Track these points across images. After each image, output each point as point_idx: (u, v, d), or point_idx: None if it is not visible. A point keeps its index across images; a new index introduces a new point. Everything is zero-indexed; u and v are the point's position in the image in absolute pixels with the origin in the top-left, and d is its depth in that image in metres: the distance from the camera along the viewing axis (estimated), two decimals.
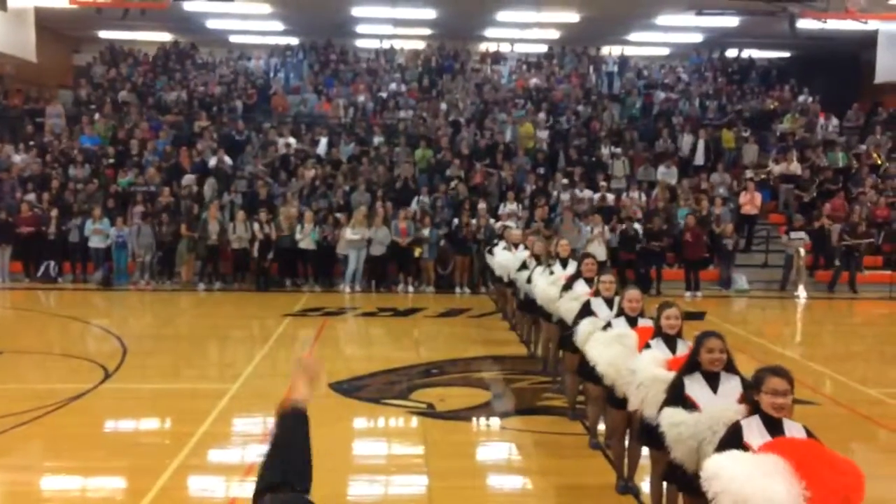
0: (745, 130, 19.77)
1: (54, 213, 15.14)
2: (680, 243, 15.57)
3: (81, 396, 7.88)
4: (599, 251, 14.55)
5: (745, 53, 24.90)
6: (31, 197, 15.72)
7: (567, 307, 7.18)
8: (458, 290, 15.13)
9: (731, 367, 4.25)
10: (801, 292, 15.41)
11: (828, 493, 3.11)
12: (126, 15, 18.65)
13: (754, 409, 3.61)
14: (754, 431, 3.52)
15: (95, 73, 22.35)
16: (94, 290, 14.73)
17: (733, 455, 3.35)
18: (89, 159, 17.30)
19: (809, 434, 3.51)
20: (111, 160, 17.43)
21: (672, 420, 4.10)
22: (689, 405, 4.14)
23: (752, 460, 3.28)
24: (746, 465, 3.25)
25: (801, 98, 21.85)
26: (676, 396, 4.21)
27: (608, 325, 5.79)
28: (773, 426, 3.51)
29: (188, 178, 16.55)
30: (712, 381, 4.20)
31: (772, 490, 3.09)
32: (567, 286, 7.50)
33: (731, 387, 4.17)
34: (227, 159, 17.27)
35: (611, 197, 16.70)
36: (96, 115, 19.25)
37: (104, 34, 23.48)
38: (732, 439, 3.54)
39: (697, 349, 4.24)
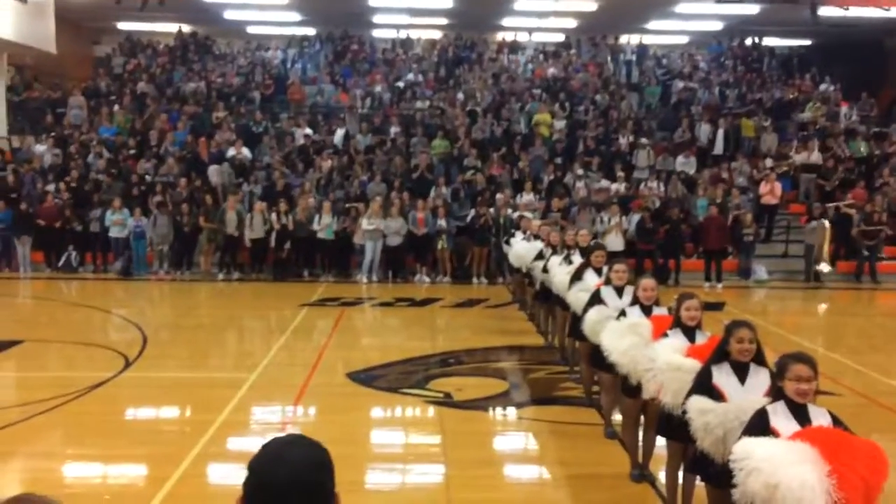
0: (766, 119, 19.55)
1: (74, 203, 15.27)
2: (700, 233, 15.44)
3: (102, 385, 7.97)
4: (617, 242, 14.48)
5: (766, 41, 24.60)
6: (52, 188, 15.88)
7: (576, 297, 7.17)
8: (475, 280, 15.12)
9: (760, 359, 4.21)
10: (825, 267, 15.18)
11: (852, 477, 3.11)
12: (145, 6, 18.76)
13: (779, 395, 3.59)
14: (780, 416, 3.51)
15: (115, 65, 22.49)
16: (114, 280, 14.87)
17: (765, 439, 3.36)
18: (109, 150, 17.44)
19: (835, 419, 3.51)
20: (131, 151, 17.56)
21: (700, 408, 4.07)
22: (716, 395, 4.12)
23: (785, 446, 3.28)
24: (779, 450, 3.25)
25: (822, 86, 21.56)
26: (704, 385, 4.18)
27: (622, 313, 5.77)
28: (798, 412, 3.50)
29: (212, 169, 16.64)
30: (740, 372, 4.16)
31: (804, 477, 3.09)
32: (577, 276, 7.49)
33: (759, 379, 4.13)
34: (246, 150, 17.34)
35: (619, 187, 16.57)
36: (115, 107, 19.38)
37: (123, 25, 23.62)
38: (759, 424, 3.53)
39: (727, 338, 4.20)
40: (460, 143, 17.95)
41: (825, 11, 17.57)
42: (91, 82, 21.47)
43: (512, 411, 7.60)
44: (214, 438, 6.44)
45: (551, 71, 22.55)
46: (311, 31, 24.19)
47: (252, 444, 6.57)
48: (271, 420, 7.26)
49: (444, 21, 23.49)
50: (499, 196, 15.73)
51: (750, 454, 3.29)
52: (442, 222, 15.11)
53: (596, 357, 6.38)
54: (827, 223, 15.44)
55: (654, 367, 4.78)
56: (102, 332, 10.98)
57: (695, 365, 4.47)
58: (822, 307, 14.50)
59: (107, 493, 5.67)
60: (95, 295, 13.64)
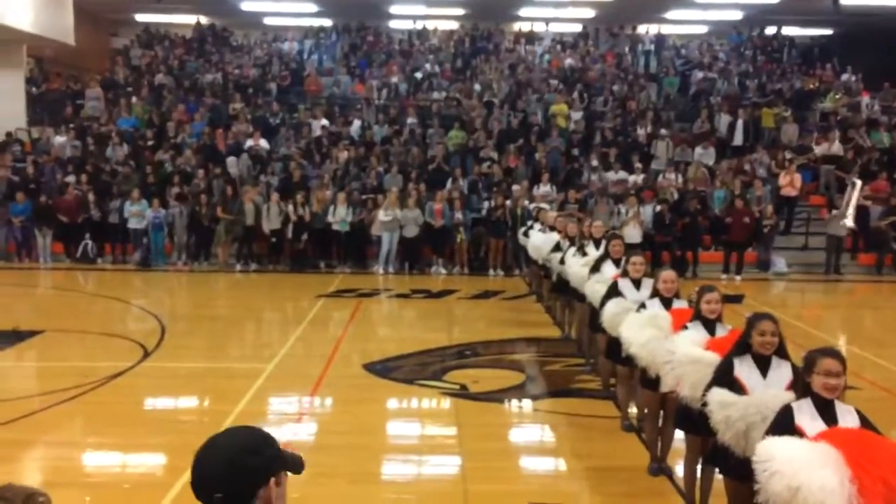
0: (786, 110, 19.33)
1: (92, 196, 15.39)
2: (723, 225, 15.28)
3: (121, 375, 8.04)
4: (634, 234, 14.40)
5: (786, 31, 24.29)
6: (71, 179, 16.01)
7: (593, 289, 7.13)
8: (491, 272, 15.09)
9: (782, 352, 4.16)
10: (849, 221, 14.97)
11: (873, 481, 3.07)
12: None
13: (805, 391, 3.55)
14: (805, 414, 3.46)
15: (132, 56, 22.61)
16: (133, 271, 14.98)
17: (789, 440, 3.32)
18: (127, 141, 17.55)
19: (862, 417, 3.45)
20: (149, 142, 17.66)
21: (721, 401, 4.04)
22: (738, 388, 4.08)
23: (808, 448, 3.24)
24: (802, 452, 3.21)
25: (843, 77, 21.28)
26: (725, 377, 4.14)
27: (642, 306, 5.73)
28: (825, 408, 3.45)
29: (230, 161, 16.72)
30: (762, 365, 4.12)
31: (825, 481, 3.05)
32: (595, 268, 7.45)
33: (781, 373, 4.09)
34: (263, 142, 17.39)
35: (636, 178, 16.46)
36: (133, 98, 19.49)
37: (140, 17, 23.74)
38: (784, 421, 3.49)
39: (749, 331, 4.16)
40: (477, 135, 17.90)
41: (846, 0, 17.29)
42: (109, 74, 21.60)
43: (528, 403, 7.58)
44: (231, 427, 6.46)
45: (568, 62, 22.41)
46: (327, 23, 24.19)
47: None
48: (288, 411, 7.30)
49: (460, 11, 23.41)
50: (515, 187, 15.68)
51: (773, 456, 3.25)
52: (459, 214, 15.09)
53: (613, 349, 6.36)
54: (858, 182, 15.19)
55: (673, 359, 4.75)
56: (122, 323, 11.07)
57: (714, 358, 4.43)
58: (843, 300, 14.35)
59: (126, 482, 5.72)
60: (114, 286, 13.75)
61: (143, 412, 7.30)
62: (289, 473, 1.90)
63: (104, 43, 24.45)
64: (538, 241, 11.07)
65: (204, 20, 24.30)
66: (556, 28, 24.54)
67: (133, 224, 15.17)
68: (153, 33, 23.76)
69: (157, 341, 9.43)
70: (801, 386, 3.63)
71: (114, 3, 21.76)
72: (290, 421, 6.95)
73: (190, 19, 24.00)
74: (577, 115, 19.16)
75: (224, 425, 6.36)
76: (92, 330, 10.20)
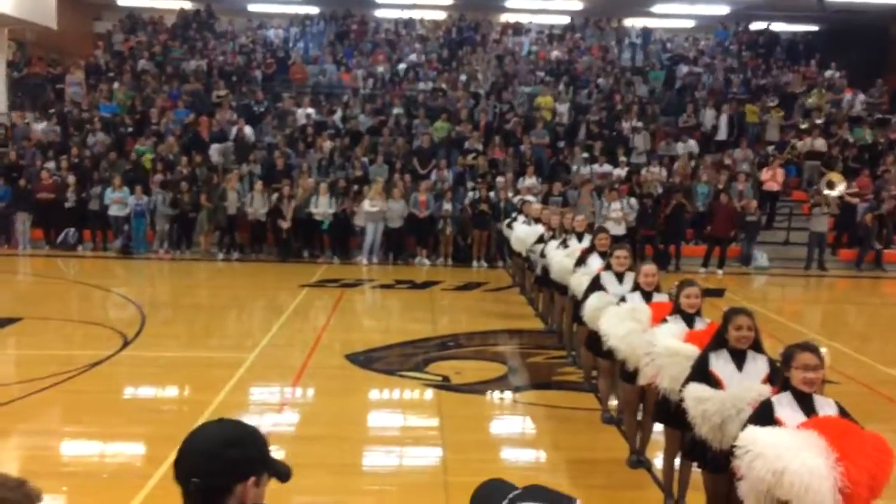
0: (772, 102, 19.43)
1: (73, 180, 15.23)
2: (706, 219, 15.35)
3: (101, 363, 7.97)
4: (618, 227, 14.43)
5: (772, 27, 24.39)
6: (52, 165, 15.81)
7: (578, 281, 7.15)
8: (475, 263, 15.10)
9: (758, 347, 4.20)
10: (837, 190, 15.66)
11: (859, 469, 3.10)
12: None
13: (784, 385, 3.58)
14: (786, 407, 3.50)
15: (115, 41, 22.34)
16: (114, 259, 14.85)
17: (770, 428, 3.34)
18: (108, 128, 17.36)
19: (841, 409, 3.50)
20: (129, 129, 17.47)
21: (697, 396, 4.06)
22: (714, 382, 4.11)
23: (790, 433, 3.27)
24: (785, 436, 3.24)
25: (827, 73, 21.42)
26: (701, 372, 4.17)
27: (622, 299, 5.75)
28: (804, 402, 3.48)
29: (214, 148, 16.58)
30: (738, 359, 4.16)
31: (811, 463, 3.07)
32: (581, 260, 7.48)
33: (757, 366, 4.14)
34: (248, 129, 17.25)
35: (621, 172, 16.50)
36: (115, 84, 19.27)
37: (123, 2, 23.44)
38: (764, 413, 3.53)
39: (725, 325, 4.20)
40: (462, 126, 17.86)
41: None
42: (91, 59, 21.33)
43: (510, 395, 7.59)
44: (212, 418, 6.43)
45: (555, 54, 22.39)
46: (313, 10, 24.00)
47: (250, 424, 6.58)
48: (269, 400, 7.27)
49: (448, 2, 23.30)
50: (500, 179, 15.67)
51: (755, 440, 3.28)
52: (446, 205, 15.07)
53: (595, 342, 6.39)
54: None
55: (653, 351, 4.77)
56: (101, 311, 10.98)
57: (693, 350, 4.46)
58: (823, 295, 14.48)
59: (105, 472, 5.67)
60: (95, 273, 13.63)
61: (122, 401, 7.24)
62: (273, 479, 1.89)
63: (87, 27, 24.11)
64: (522, 233, 11.08)
65: (188, 6, 24.04)
66: (543, 20, 24.49)
67: (114, 211, 15.02)
68: (137, 18, 23.48)
69: (138, 330, 9.35)
70: (780, 380, 3.66)
71: None
72: (271, 411, 6.93)
73: (174, 4, 23.73)
74: (562, 107, 19.16)
75: (205, 415, 6.37)
76: (71, 318, 10.10)
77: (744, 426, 3.53)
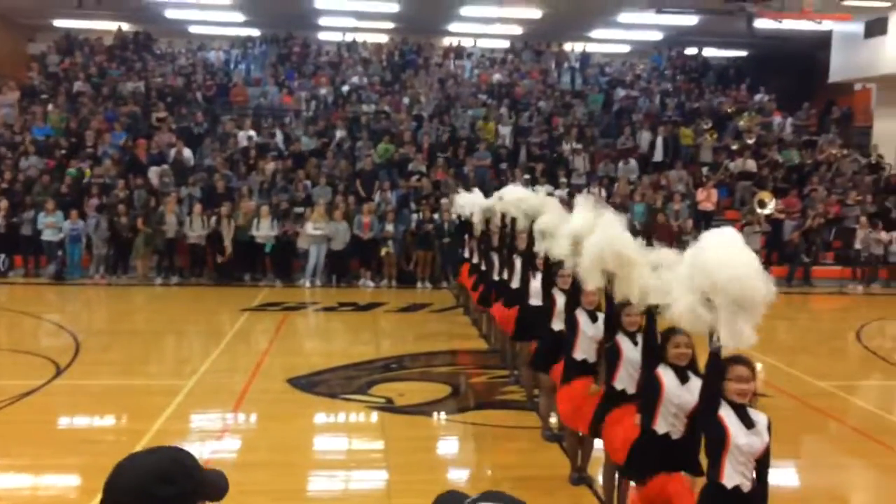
0: (706, 124, 20.07)
1: (4, 204, 14.77)
2: (642, 238, 15.69)
3: (32, 393, 7.71)
4: None
5: (704, 52, 25.26)
6: None
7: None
8: (419, 284, 15.12)
9: (694, 366, 4.32)
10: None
11: None
12: (81, 3, 18.25)
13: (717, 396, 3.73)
14: (729, 413, 3.64)
15: (49, 63, 21.81)
16: (47, 285, 14.39)
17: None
18: (42, 151, 16.90)
19: (770, 426, 3.66)
20: (63, 151, 17.04)
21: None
22: (657, 383, 4.27)
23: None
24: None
25: (757, 97, 22.26)
26: (652, 392, 4.29)
27: (573, 318, 5.77)
28: (739, 412, 3.64)
29: (152, 171, 16.27)
30: (680, 375, 4.30)
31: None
32: (524, 282, 7.57)
33: (696, 383, 4.25)
34: (187, 152, 17.00)
35: (562, 193, 16.77)
36: (49, 106, 18.79)
37: (59, 23, 22.94)
38: (713, 402, 3.69)
39: (664, 344, 4.32)
40: (406, 148, 17.94)
41: (760, 24, 18.11)
42: (25, 80, 20.78)
43: (454, 416, 7.61)
44: (145, 448, 6.28)
45: (496, 77, 22.73)
46: (254, 32, 23.87)
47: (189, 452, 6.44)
48: (209, 427, 7.13)
49: (390, 25, 23.46)
50: (444, 201, 15.77)
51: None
52: (389, 227, 15.08)
53: (537, 359, 6.49)
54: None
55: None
56: (33, 339, 10.62)
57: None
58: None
59: None
60: (26, 300, 13.18)
61: (55, 432, 7.00)
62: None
63: (21, 48, 23.50)
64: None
65: (126, 27, 23.64)
66: (484, 44, 24.85)
67: (48, 236, 14.59)
68: (73, 39, 22.99)
69: (71, 358, 9.08)
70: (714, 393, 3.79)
71: (30, 8, 20.97)
72: (211, 438, 6.80)
73: (111, 26, 23.30)
74: (504, 129, 19.43)
75: (142, 444, 6.22)
76: (0, 347, 9.75)
77: (698, 418, 3.85)
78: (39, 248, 14.78)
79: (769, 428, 3.65)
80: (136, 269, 14.85)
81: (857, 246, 16.28)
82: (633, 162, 18.21)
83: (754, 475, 3.62)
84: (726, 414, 3.61)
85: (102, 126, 17.91)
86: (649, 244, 4.79)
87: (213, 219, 14.65)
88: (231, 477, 1.84)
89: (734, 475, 3.56)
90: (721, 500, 3.58)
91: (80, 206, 14.91)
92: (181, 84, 20.89)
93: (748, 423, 3.60)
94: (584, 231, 5.17)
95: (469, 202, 11.71)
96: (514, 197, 8.33)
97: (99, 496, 1.68)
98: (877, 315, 13.62)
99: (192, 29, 23.59)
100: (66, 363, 8.82)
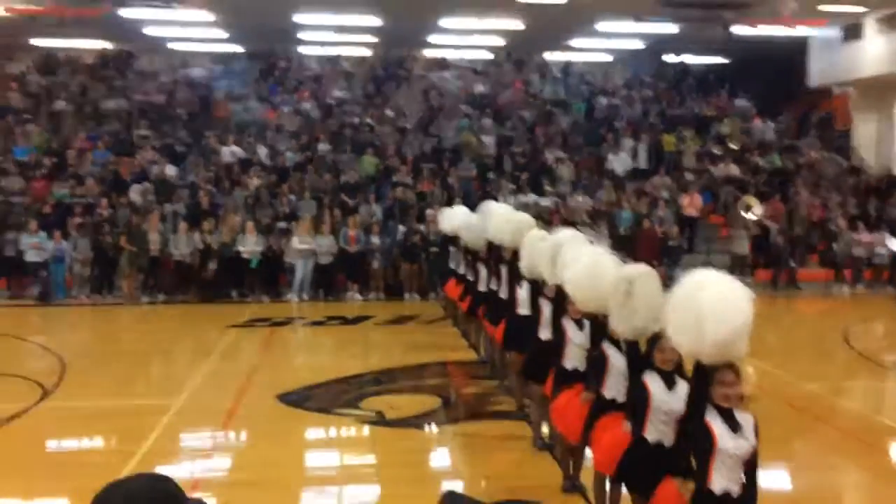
0: (687, 132, 20.24)
1: None
2: (628, 245, 15.77)
3: (18, 417, 7.62)
4: None
5: (685, 59, 25.47)
6: None
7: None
8: (407, 296, 15.11)
9: (681, 369, 4.35)
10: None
11: None
12: (61, 22, 18.18)
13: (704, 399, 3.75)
14: (716, 417, 3.66)
15: (30, 82, 21.69)
16: (31, 306, 14.26)
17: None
18: (23, 171, 16.79)
19: (756, 428, 3.68)
20: (45, 171, 16.94)
21: None
22: (644, 390, 4.30)
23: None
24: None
25: (737, 102, 22.47)
26: (640, 401, 4.31)
27: (557, 325, 5.83)
28: (726, 416, 3.66)
29: (135, 189, 16.20)
30: (667, 380, 4.32)
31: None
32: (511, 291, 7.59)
33: (682, 388, 4.28)
34: (170, 168, 16.94)
35: (547, 202, 16.88)
36: (31, 126, 18.67)
37: (38, 42, 22.81)
38: (700, 405, 3.71)
39: (651, 349, 4.35)
40: (390, 160, 17.97)
41: (738, 30, 18.30)
42: (5, 100, 20.65)
43: (445, 428, 7.60)
44: (140, 468, 6.23)
45: (479, 88, 22.83)
46: (237, 49, 23.84)
47: (179, 471, 6.39)
48: (199, 446, 7.08)
49: (372, 39, 23.51)
50: (429, 212, 15.79)
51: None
52: (376, 239, 15.07)
53: (528, 368, 6.50)
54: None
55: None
56: (17, 361, 10.49)
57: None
58: None
59: None
60: (10, 322, 13.04)
61: (42, 456, 6.92)
62: None
63: None
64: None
65: (107, 45, 23.55)
66: (467, 55, 24.95)
67: (31, 257, 14.47)
68: (53, 58, 22.87)
69: (58, 380, 8.99)
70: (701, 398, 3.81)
71: (8, 28, 20.84)
72: (200, 457, 6.75)
73: (91, 44, 23.20)
74: (488, 140, 19.50)
75: (130, 466, 6.17)
76: None
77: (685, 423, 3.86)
78: (23, 269, 14.65)
79: (756, 429, 3.68)
80: (122, 288, 14.74)
81: (838, 248, 16.45)
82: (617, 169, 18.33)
83: (743, 479, 3.64)
84: (713, 418, 3.63)
85: (85, 145, 17.82)
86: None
87: (198, 235, 14.57)
88: (221, 496, 1.83)
89: (722, 480, 3.58)
90: None
91: (64, 227, 14.81)
92: (163, 101, 20.83)
93: (734, 427, 3.62)
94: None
95: (453, 221, 11.49)
96: (502, 219, 8.26)
97: None
98: (863, 317, 13.75)
99: (174, 46, 23.54)
100: (52, 385, 8.73)
